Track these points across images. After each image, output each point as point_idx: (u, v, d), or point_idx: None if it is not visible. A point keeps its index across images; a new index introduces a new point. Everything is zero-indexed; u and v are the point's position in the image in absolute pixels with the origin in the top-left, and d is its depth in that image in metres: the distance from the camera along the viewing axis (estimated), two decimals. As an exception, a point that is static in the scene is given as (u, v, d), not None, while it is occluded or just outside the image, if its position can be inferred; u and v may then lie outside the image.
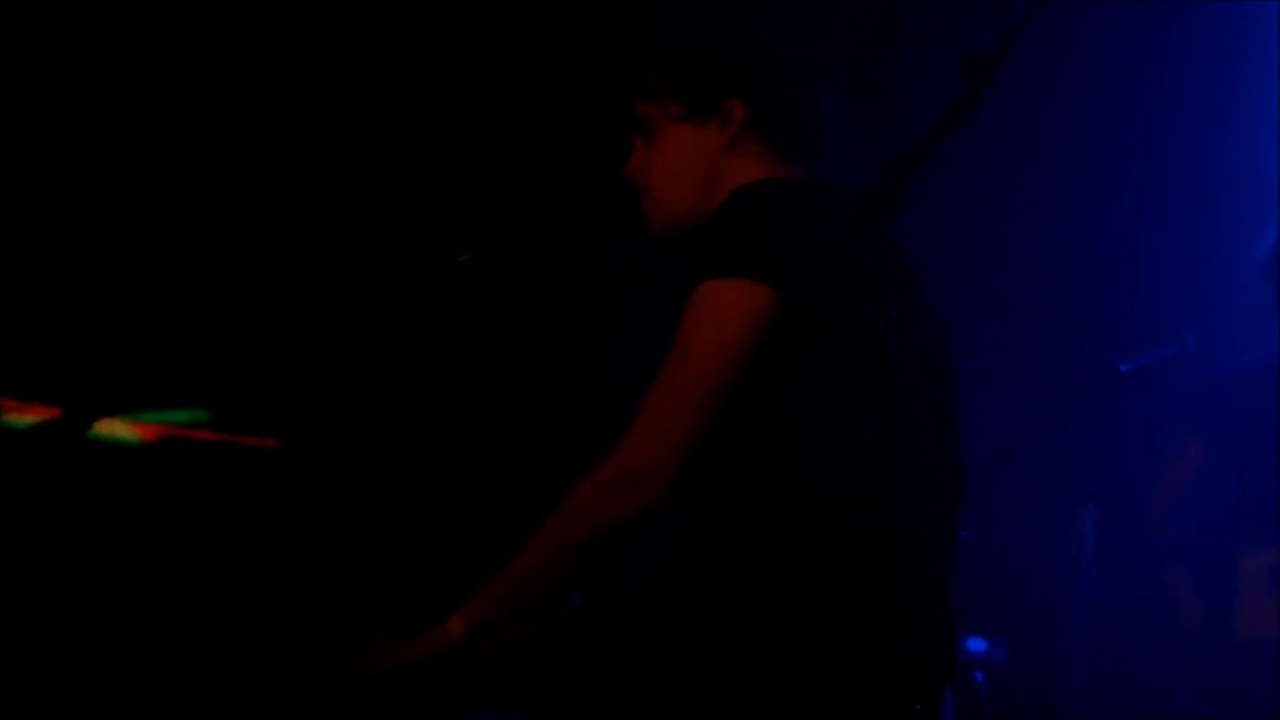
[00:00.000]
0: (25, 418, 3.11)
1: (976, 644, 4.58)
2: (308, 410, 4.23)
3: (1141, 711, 4.33)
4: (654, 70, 2.63)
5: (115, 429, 3.12)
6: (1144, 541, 4.56)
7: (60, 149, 4.35)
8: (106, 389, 3.89)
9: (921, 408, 2.36)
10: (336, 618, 2.80)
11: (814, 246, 2.27)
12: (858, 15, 4.72)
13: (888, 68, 4.73)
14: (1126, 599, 4.59)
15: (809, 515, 2.25)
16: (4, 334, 4.14)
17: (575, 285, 4.66)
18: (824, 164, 2.61)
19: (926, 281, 2.50)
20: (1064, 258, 5.22)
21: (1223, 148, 4.92)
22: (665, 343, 2.32)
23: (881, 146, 2.72)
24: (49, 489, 2.96)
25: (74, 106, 4.36)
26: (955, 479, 2.45)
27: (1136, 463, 4.73)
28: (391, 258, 4.51)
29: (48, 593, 2.86)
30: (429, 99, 4.65)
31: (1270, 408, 4.34)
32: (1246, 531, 4.32)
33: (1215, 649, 4.29)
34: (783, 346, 2.26)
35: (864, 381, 2.28)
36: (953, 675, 2.36)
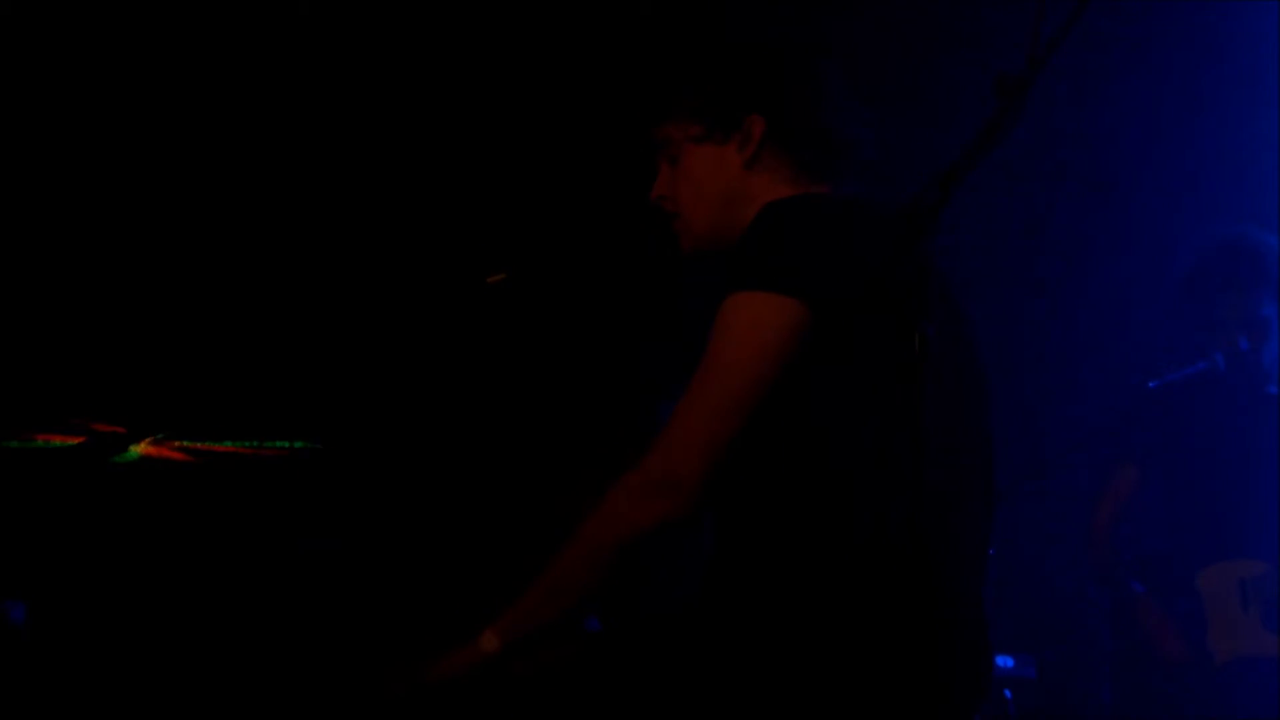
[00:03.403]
0: (61, 440, 3.13)
1: (1005, 661, 4.57)
2: (342, 426, 4.23)
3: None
4: (672, 93, 2.62)
5: (142, 448, 3.13)
6: (1098, 568, 4.55)
7: (68, 155, 4.37)
8: (141, 408, 3.90)
9: (955, 422, 2.36)
10: (372, 634, 2.80)
11: (849, 263, 2.27)
12: (896, 21, 4.71)
13: (924, 76, 4.73)
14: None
15: (844, 529, 2.25)
16: (39, 356, 4.16)
17: (606, 304, 4.66)
18: (853, 175, 2.59)
19: (960, 298, 2.50)
20: (1092, 276, 5.21)
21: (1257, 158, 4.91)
22: (696, 359, 2.34)
23: (918, 155, 2.71)
24: (82, 509, 2.97)
25: (74, 108, 4.37)
26: (988, 493, 2.45)
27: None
28: (423, 278, 4.51)
29: (84, 609, 2.87)
30: (440, 104, 4.65)
31: (1204, 422, 4.34)
32: (1201, 548, 4.30)
33: (1198, 671, 4.27)
34: (816, 360, 2.27)
35: (899, 396, 2.29)
36: (987, 693, 2.36)
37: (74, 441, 3.06)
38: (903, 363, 2.04)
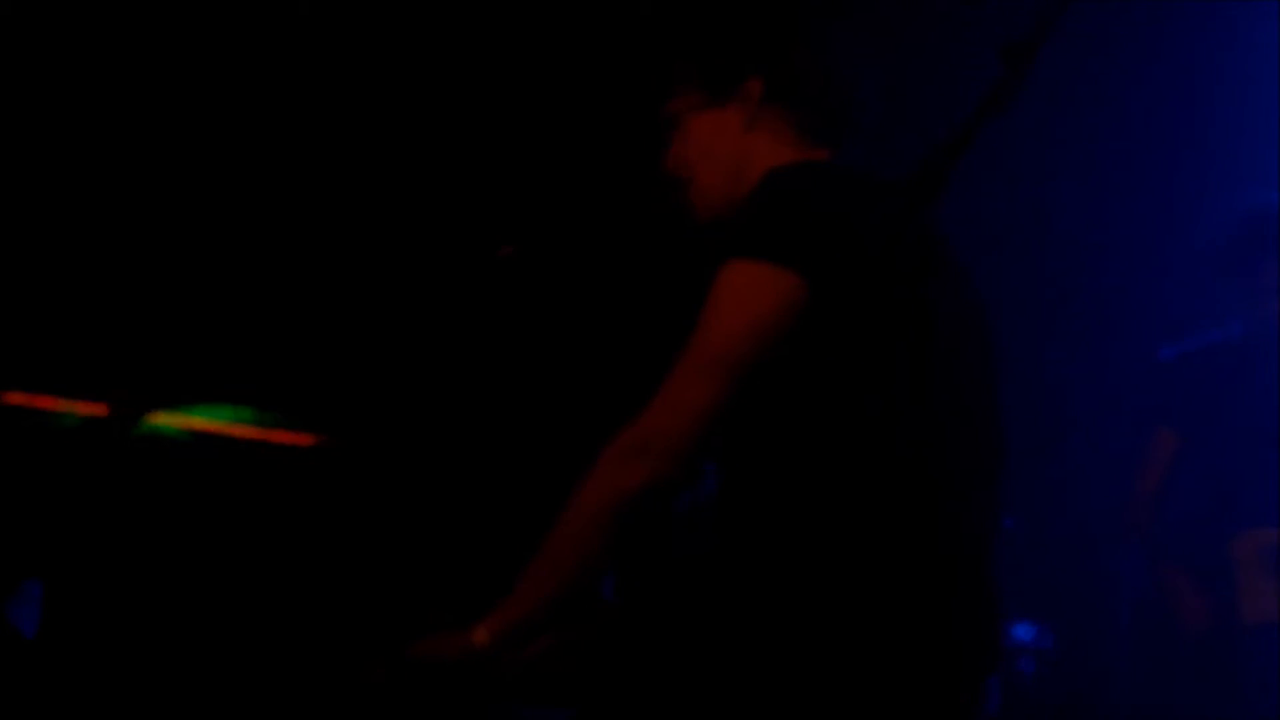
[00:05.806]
0: (75, 411, 3.14)
1: (1023, 631, 4.57)
2: (349, 408, 4.25)
3: (1191, 699, 4.31)
4: (671, 65, 2.62)
5: (161, 422, 3.14)
6: (1133, 543, 4.53)
7: (72, 151, 4.39)
8: (153, 385, 3.91)
9: (963, 390, 2.36)
10: (373, 620, 2.81)
11: (848, 234, 2.26)
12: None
13: (926, 54, 4.72)
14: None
15: (853, 497, 2.26)
16: (53, 330, 4.18)
17: (613, 280, 4.67)
18: (854, 139, 2.58)
19: (965, 265, 2.49)
20: (1109, 244, 5.20)
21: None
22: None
23: (916, 132, 2.69)
24: (95, 480, 2.99)
25: (75, 107, 4.39)
26: (997, 461, 2.44)
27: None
28: (431, 254, 4.52)
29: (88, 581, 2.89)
30: (444, 96, 4.65)
31: (1239, 387, 4.32)
32: (1234, 516, 4.30)
33: (1222, 640, 4.27)
34: (816, 329, 2.26)
35: (905, 365, 2.29)
36: (998, 663, 2.36)
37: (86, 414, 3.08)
38: (907, 328, 2.03)
